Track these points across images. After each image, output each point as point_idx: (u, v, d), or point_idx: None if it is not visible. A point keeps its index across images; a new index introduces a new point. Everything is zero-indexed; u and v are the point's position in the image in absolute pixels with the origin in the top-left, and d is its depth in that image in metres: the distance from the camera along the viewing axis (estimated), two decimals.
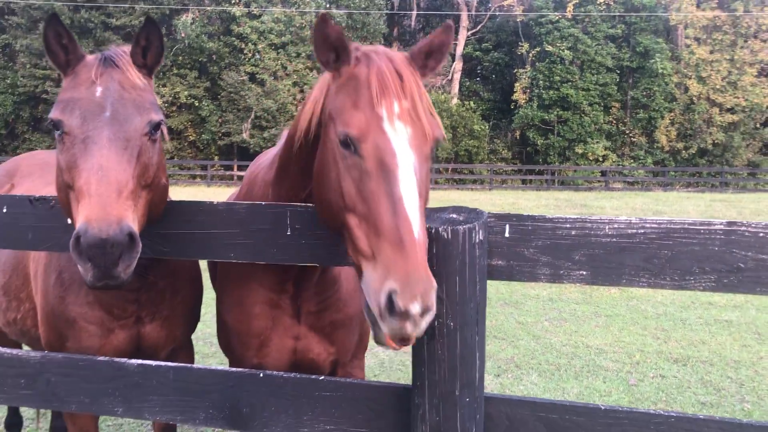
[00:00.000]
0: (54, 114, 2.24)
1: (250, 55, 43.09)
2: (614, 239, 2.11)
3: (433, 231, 2.03)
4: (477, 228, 2.06)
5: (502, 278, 2.19)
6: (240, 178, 38.92)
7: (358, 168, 1.89)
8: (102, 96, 2.27)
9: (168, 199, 2.53)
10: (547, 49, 43.95)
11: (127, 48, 2.52)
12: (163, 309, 2.96)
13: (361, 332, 2.99)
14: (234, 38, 42.29)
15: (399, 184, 1.83)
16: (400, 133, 1.93)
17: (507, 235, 2.17)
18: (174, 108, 42.23)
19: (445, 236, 2.02)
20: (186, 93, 41.68)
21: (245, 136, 42.22)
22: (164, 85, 41.39)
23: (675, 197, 31.61)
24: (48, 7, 40.99)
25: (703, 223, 2.06)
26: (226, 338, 2.94)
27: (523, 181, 42.98)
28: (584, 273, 2.14)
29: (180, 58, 42.24)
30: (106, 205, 2.01)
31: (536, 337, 7.75)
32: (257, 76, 42.72)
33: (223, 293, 2.93)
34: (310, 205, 2.33)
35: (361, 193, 1.86)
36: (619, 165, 44.52)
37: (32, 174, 3.92)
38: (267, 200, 2.66)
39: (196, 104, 42.26)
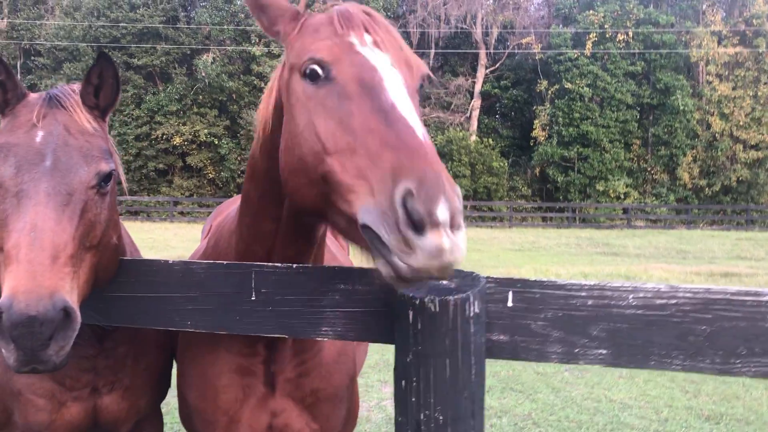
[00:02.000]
0: None
1: None
2: (640, 311, 1.75)
3: (417, 302, 1.67)
4: (472, 298, 1.70)
5: (503, 356, 1.82)
6: None
7: (333, 97, 1.69)
8: (43, 142, 1.98)
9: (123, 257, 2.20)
10: (566, 86, 43.80)
11: (77, 86, 2.22)
12: (124, 377, 2.61)
13: (349, 406, 2.59)
14: (254, 77, 42.71)
15: (387, 93, 1.64)
16: (379, 56, 1.75)
17: (510, 304, 1.81)
18: (194, 146, 42.55)
19: (432, 308, 1.68)
20: (206, 131, 42.02)
21: None
22: (184, 124, 41.80)
23: (699, 235, 30.88)
24: (72, 48, 41.89)
25: (750, 293, 1.69)
26: (187, 417, 2.56)
27: (544, 219, 42.42)
28: (604, 352, 1.77)
29: (200, 97, 42.73)
30: (37, 273, 1.72)
31: (556, 389, 7.26)
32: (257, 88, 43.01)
33: (184, 364, 2.56)
34: (279, 265, 1.99)
35: (342, 123, 1.64)
36: (641, 202, 43.84)
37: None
38: (231, 255, 2.32)
39: (216, 142, 42.54)
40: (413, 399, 1.70)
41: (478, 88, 47.96)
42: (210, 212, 40.05)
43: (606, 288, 1.76)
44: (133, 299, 2.13)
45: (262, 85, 42.70)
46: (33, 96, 2.13)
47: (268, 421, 2.38)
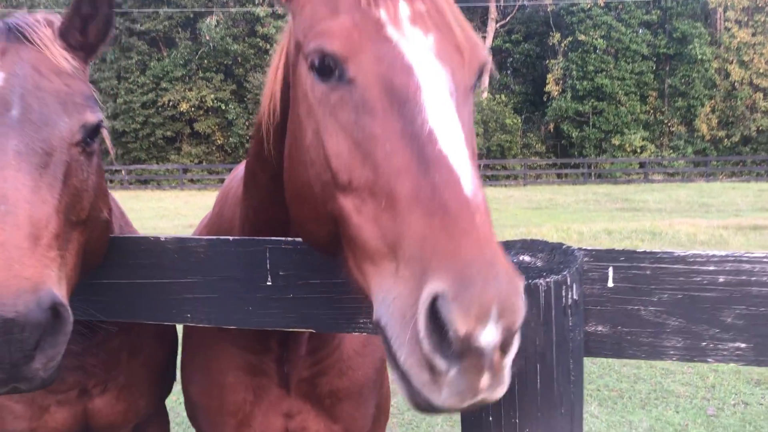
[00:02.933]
0: None
1: None
2: None
3: None
4: (569, 281, 1.24)
5: (603, 353, 1.39)
6: None
7: (349, 108, 1.19)
8: (5, 86, 1.50)
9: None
10: (579, 38, 42.54)
11: (54, 17, 1.73)
12: (119, 375, 2.19)
13: (379, 401, 2.18)
14: (259, 39, 41.79)
15: (425, 113, 1.12)
16: (418, 43, 1.19)
17: (611, 284, 1.36)
18: (201, 112, 41.92)
19: None
20: (212, 96, 41.32)
21: None
22: (191, 89, 41.12)
23: (720, 188, 30.17)
24: None
25: None
26: (192, 414, 2.18)
27: (559, 176, 41.63)
28: (742, 346, 1.33)
29: (205, 61, 41.92)
30: (14, 261, 1.26)
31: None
32: None
33: (185, 355, 2.17)
34: (299, 240, 1.54)
35: (360, 149, 1.16)
36: (658, 156, 42.95)
37: None
38: (236, 227, 1.87)
39: (223, 108, 41.87)
40: (490, 420, 1.25)
41: (488, 43, 46.70)
42: (221, 179, 39.74)
43: (743, 259, 1.30)
44: (117, 287, 1.69)
45: (268, 47, 41.91)
46: None
47: (283, 424, 2.03)
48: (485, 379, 0.95)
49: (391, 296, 1.03)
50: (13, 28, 1.61)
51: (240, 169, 2.12)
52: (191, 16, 42.40)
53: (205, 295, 1.61)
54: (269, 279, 1.56)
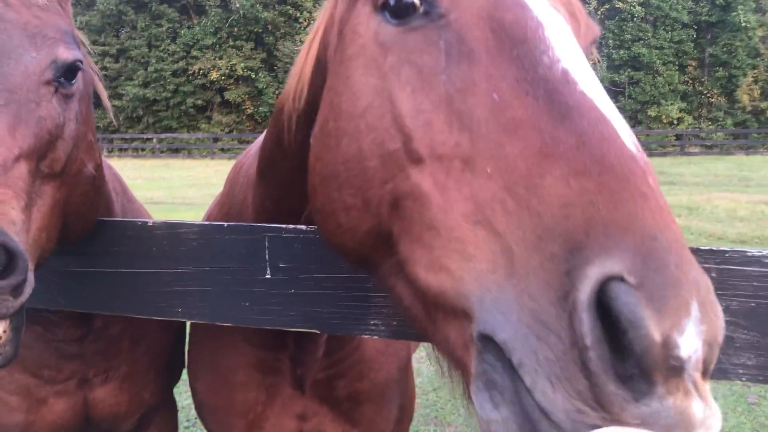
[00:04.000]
0: None
1: (306, 23, 42.16)
2: None
3: None
4: None
5: None
6: None
7: (435, 49, 0.93)
8: None
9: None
10: (616, 5, 41.28)
11: None
12: (121, 364, 2.04)
13: (402, 401, 1.99)
14: (289, 7, 41.40)
15: (553, 52, 0.87)
16: None
17: None
18: (231, 81, 41.83)
19: None
20: (242, 65, 41.16)
21: None
22: (221, 58, 41.01)
23: (760, 161, 29.20)
24: None
25: None
26: (199, 411, 2.02)
27: None
28: None
29: (236, 29, 41.69)
30: None
31: None
32: None
33: (193, 349, 2.01)
34: (305, 228, 1.34)
35: (450, 102, 0.89)
36: (695, 128, 41.75)
37: None
38: (247, 212, 1.68)
39: (253, 76, 41.71)
40: None
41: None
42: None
43: None
44: (99, 277, 1.51)
45: (298, 14, 41.51)
46: None
47: (297, 427, 1.85)
48: (698, 408, 0.66)
49: (509, 296, 0.74)
50: None
51: (254, 146, 1.91)
52: None
53: (198, 288, 1.43)
54: (268, 272, 1.37)
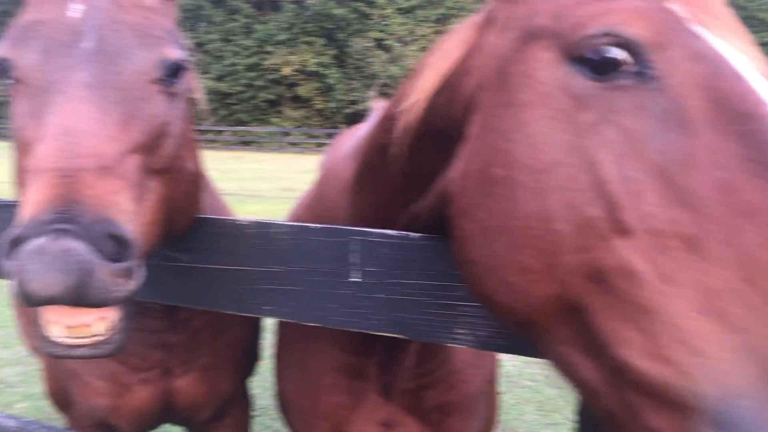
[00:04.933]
0: (0, 50, 1.35)
1: (377, 20, 42.37)
2: None
3: None
4: None
5: None
6: None
7: (646, 114, 0.86)
8: (80, 17, 1.35)
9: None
10: None
11: None
12: (202, 356, 2.10)
13: (488, 413, 1.98)
14: (361, 3, 41.66)
15: None
16: (732, 45, 0.90)
17: None
18: (302, 76, 42.47)
19: None
20: (314, 61, 41.73)
21: (370, 104, 41.71)
22: (293, 53, 41.68)
23: None
24: None
25: None
26: (283, 409, 2.06)
27: None
28: None
29: (309, 25, 42.28)
30: (77, 182, 1.10)
31: None
32: (384, 42, 42.01)
33: (280, 346, 2.03)
34: (392, 233, 1.34)
35: (670, 180, 0.82)
36: None
37: None
38: (340, 217, 1.68)
39: (324, 72, 42.21)
40: None
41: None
42: (319, 144, 40.22)
43: None
44: (195, 272, 1.56)
45: (369, 11, 41.68)
46: None
47: None
48: None
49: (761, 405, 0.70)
50: None
51: (344, 147, 1.92)
52: None
53: (287, 287, 1.45)
54: (356, 275, 1.38)
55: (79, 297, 1.04)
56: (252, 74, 41.95)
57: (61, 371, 2.05)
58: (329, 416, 1.84)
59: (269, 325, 2.38)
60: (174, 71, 1.41)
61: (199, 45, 43.15)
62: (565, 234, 0.88)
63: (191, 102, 1.57)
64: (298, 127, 42.45)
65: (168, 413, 2.15)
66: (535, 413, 4.76)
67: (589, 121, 0.89)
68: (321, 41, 42.74)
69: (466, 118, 1.10)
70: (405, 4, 42.11)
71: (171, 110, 1.41)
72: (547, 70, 0.95)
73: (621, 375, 0.83)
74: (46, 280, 1.00)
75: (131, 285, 1.12)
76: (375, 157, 1.44)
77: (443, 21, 42.89)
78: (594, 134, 0.88)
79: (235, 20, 42.78)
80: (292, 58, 41.48)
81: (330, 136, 41.83)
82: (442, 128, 1.18)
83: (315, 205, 1.90)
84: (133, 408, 2.05)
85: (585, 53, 0.90)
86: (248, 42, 42.26)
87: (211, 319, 2.08)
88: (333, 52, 42.95)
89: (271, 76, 42.04)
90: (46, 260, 1.00)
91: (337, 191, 1.71)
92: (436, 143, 1.21)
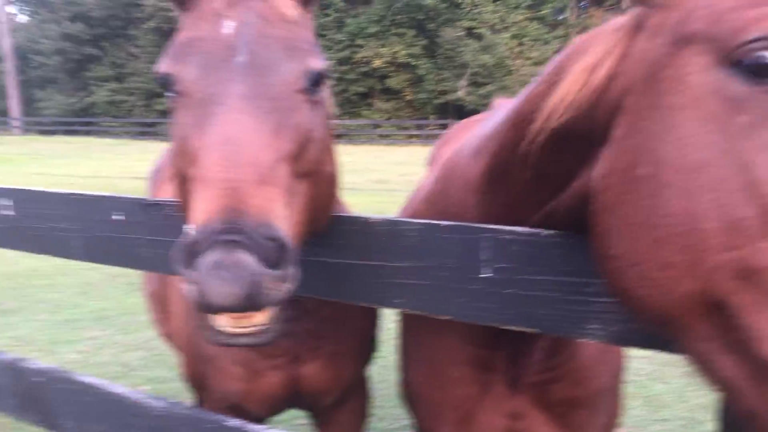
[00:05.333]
0: (161, 66, 1.49)
1: (468, 9, 41.96)
2: None
3: None
4: None
5: None
6: None
7: None
8: (233, 33, 1.47)
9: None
10: None
11: None
12: (327, 344, 2.21)
13: (612, 409, 1.99)
14: None
15: None
16: None
17: None
18: (393, 68, 42.71)
19: None
20: (404, 52, 41.85)
21: (461, 93, 41.46)
22: (383, 46, 41.97)
23: None
24: None
25: None
26: (409, 400, 2.13)
27: None
28: None
29: (399, 17, 42.44)
30: (240, 191, 1.21)
31: None
32: (475, 30, 41.54)
33: (407, 339, 2.10)
34: (521, 230, 1.38)
35: None
36: None
37: None
38: (467, 214, 1.72)
39: (414, 63, 42.28)
40: None
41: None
42: (410, 135, 40.25)
43: None
44: (330, 267, 1.65)
45: (459, 0, 41.31)
46: None
47: (507, 425, 1.89)
48: None
49: None
50: None
51: (462, 142, 1.95)
52: None
53: (416, 282, 1.52)
54: (485, 271, 1.42)
55: (250, 305, 1.15)
56: (343, 68, 42.58)
57: (199, 357, 2.21)
58: (457, 407, 1.90)
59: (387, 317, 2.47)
60: (317, 80, 1.50)
61: None
62: (713, 232, 0.90)
63: (328, 108, 1.66)
64: (389, 119, 42.75)
65: (295, 398, 2.27)
66: (642, 408, 4.66)
67: (744, 124, 0.90)
68: (411, 32, 42.79)
69: (610, 120, 1.12)
70: None
71: (314, 117, 1.50)
72: (701, 74, 0.96)
73: (766, 373, 0.84)
74: (223, 293, 1.12)
75: (290, 285, 1.22)
76: (507, 158, 1.47)
77: (535, 7, 41.97)
78: (749, 137, 0.89)
79: (327, 15, 43.53)
80: (383, 50, 41.78)
81: (420, 127, 41.96)
82: (584, 131, 1.20)
83: (437, 202, 1.94)
84: (263, 393, 2.19)
85: (743, 58, 0.91)
86: (340, 36, 42.91)
87: (335, 309, 2.18)
88: (423, 42, 42.92)
89: (362, 69, 42.53)
90: (222, 276, 1.12)
91: (463, 189, 1.75)
92: (574, 145, 1.23)
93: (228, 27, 1.46)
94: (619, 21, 1.19)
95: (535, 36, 41.62)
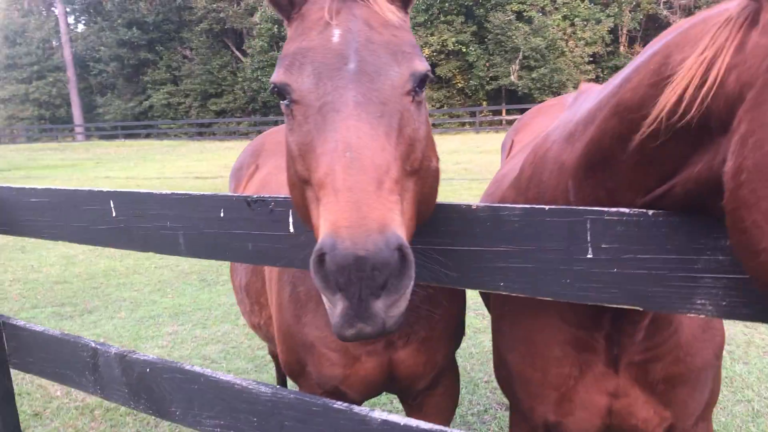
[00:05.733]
0: (277, 76, 1.59)
1: None
2: None
3: None
4: None
5: None
6: (509, 123, 37.86)
7: None
8: (341, 41, 1.56)
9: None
10: None
11: None
12: (420, 329, 2.29)
13: (713, 386, 2.01)
14: None
15: None
16: None
17: None
18: (442, 56, 42.44)
19: None
20: (453, 40, 41.51)
21: (513, 78, 40.93)
22: (432, 34, 41.73)
23: None
24: None
25: None
26: (507, 381, 2.18)
27: None
28: None
29: (446, 4, 42.12)
30: (362, 203, 1.31)
31: None
32: (524, 13, 40.90)
33: (503, 322, 2.15)
34: (627, 212, 1.42)
35: None
36: None
37: (275, 153, 3.51)
38: (564, 198, 1.77)
39: (464, 50, 41.91)
40: None
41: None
42: (462, 123, 39.84)
43: None
44: (432, 253, 1.72)
45: None
46: None
47: (607, 403, 1.92)
48: None
49: None
50: None
51: (544, 125, 1.99)
52: None
53: (519, 265, 1.58)
54: (590, 252, 1.47)
55: (380, 336, 1.36)
56: None
57: (299, 344, 2.32)
58: (558, 386, 1.94)
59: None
60: (421, 82, 1.58)
61: None
62: None
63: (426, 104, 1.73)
64: (440, 108, 42.56)
65: (390, 382, 2.36)
66: (725, 390, 4.58)
67: None
68: (460, 19, 42.41)
69: (730, 112, 1.16)
70: None
71: (420, 116, 1.58)
72: None
73: None
74: (358, 335, 1.35)
75: (410, 288, 1.37)
76: (609, 144, 1.51)
77: None
78: None
79: None
80: (432, 39, 41.55)
81: (472, 114, 41.65)
82: (702, 122, 1.23)
83: (528, 187, 1.98)
84: (360, 377, 2.28)
85: None
86: None
87: (427, 295, 2.26)
88: (472, 29, 42.49)
89: None
90: (356, 325, 1.33)
91: (556, 175, 1.79)
92: (690, 135, 1.27)
93: (336, 35, 1.55)
94: (727, 11, 1.21)
95: (586, 16, 40.70)
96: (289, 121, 1.57)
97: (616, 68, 41.36)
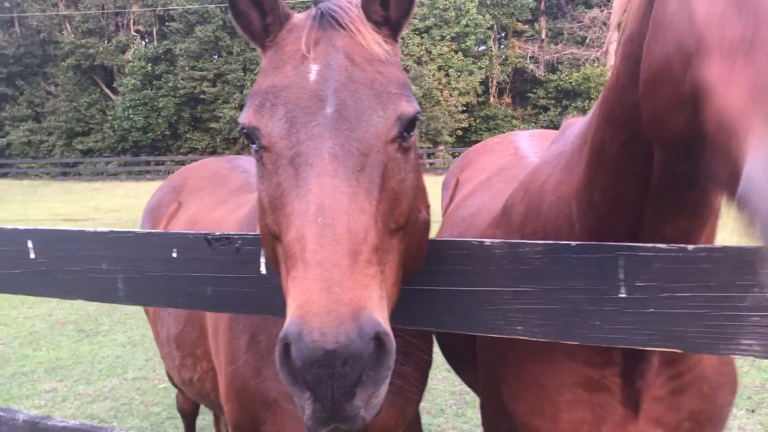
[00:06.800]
0: (245, 117, 1.39)
1: None
2: None
3: None
4: None
5: None
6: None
7: None
8: (319, 79, 1.38)
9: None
10: None
11: None
12: (394, 378, 2.09)
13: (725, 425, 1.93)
14: None
15: None
16: None
17: None
18: None
19: None
20: None
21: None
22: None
23: None
24: (202, 11, 42.93)
25: None
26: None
27: None
28: None
29: None
30: (333, 282, 1.14)
31: None
32: (402, 63, 42.25)
33: (504, 370, 1.95)
34: (665, 247, 1.34)
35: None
36: None
37: (202, 189, 3.21)
38: (572, 231, 1.68)
39: None
40: None
41: (614, 19, 44.45)
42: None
43: None
44: (435, 295, 1.56)
45: None
46: (299, 17, 1.53)
47: None
48: None
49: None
50: (326, 14, 1.49)
51: (536, 164, 1.91)
52: None
53: (541, 306, 1.45)
54: (623, 290, 1.37)
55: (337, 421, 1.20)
56: None
57: (257, 401, 2.05)
58: None
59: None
60: (409, 126, 1.42)
61: (218, 75, 43.60)
62: (676, 62, 1.02)
63: (417, 147, 1.57)
64: None
65: None
66: None
67: None
68: None
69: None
70: (420, 25, 42.34)
71: (406, 164, 1.43)
72: None
73: None
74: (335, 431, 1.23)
75: (389, 378, 1.23)
76: (601, 133, 1.51)
77: (458, 39, 43.05)
78: None
79: (253, 50, 43.24)
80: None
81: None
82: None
83: (524, 224, 1.88)
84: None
85: None
86: None
87: (404, 342, 2.07)
88: None
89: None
90: (331, 421, 1.19)
91: (556, 205, 1.71)
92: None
93: (313, 72, 1.38)
94: None
95: (459, 67, 42.63)
96: (260, 168, 1.39)
97: (488, 117, 43.68)
